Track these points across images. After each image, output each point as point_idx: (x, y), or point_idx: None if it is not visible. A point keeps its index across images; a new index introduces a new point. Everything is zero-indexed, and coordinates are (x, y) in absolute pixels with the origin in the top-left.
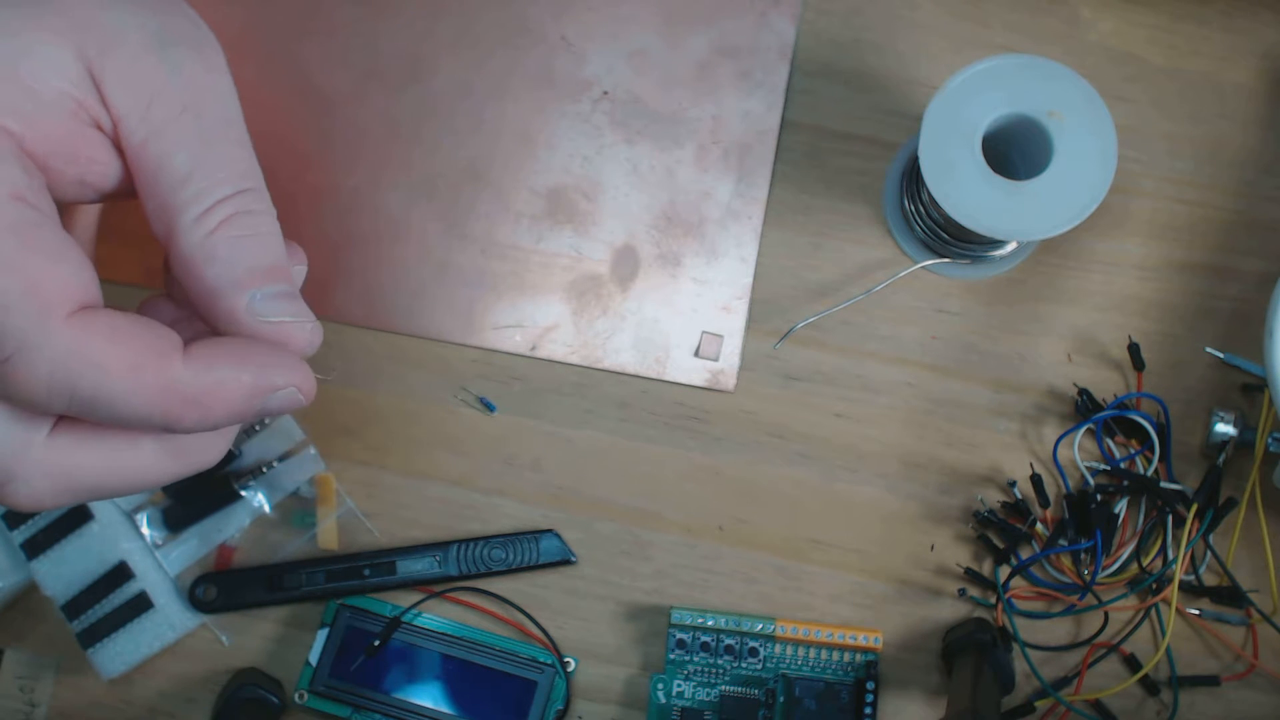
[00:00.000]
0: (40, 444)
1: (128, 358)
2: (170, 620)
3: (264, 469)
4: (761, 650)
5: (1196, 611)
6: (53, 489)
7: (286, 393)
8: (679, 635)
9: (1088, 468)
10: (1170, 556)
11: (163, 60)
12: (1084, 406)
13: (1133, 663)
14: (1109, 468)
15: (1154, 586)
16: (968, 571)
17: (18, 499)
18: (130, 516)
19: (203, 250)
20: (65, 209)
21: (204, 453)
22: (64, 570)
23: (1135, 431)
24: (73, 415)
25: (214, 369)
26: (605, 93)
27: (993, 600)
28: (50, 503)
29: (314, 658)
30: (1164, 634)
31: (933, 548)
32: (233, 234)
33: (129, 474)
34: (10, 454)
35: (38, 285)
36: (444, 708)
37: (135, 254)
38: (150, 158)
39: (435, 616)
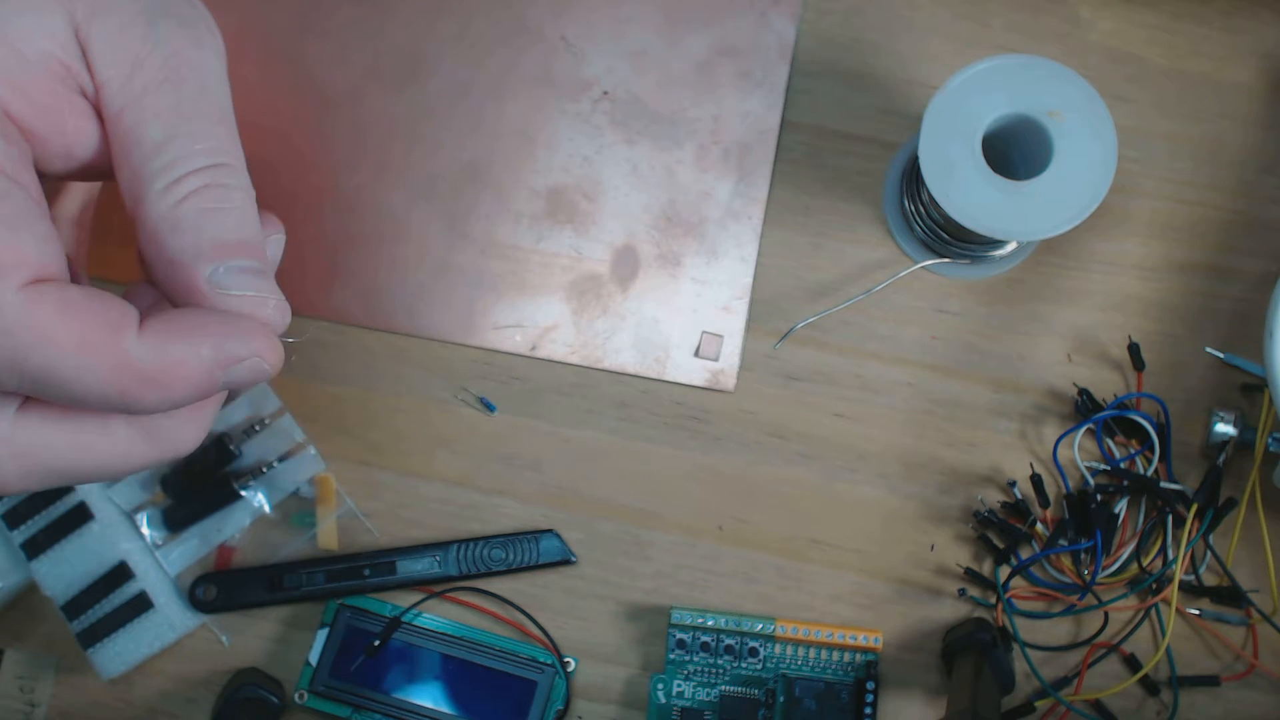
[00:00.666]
0: (6, 423)
1: (76, 330)
2: (170, 620)
3: (264, 469)
4: (761, 650)
5: (1196, 611)
6: (20, 470)
7: (250, 363)
8: (679, 635)
9: (1088, 468)
10: (1170, 556)
11: (150, 30)
12: (1084, 406)
13: (1133, 663)
14: (1109, 468)
15: (1154, 586)
16: (968, 571)
17: None
18: (130, 516)
19: (168, 220)
20: (55, 187)
21: (178, 436)
22: (64, 570)
23: (1135, 431)
24: (28, 394)
25: (170, 343)
26: (605, 93)
27: (993, 600)
28: (17, 485)
29: (314, 658)
30: (1164, 634)
31: (933, 548)
32: (200, 205)
33: (101, 457)
34: None
35: None
36: (444, 708)
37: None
38: (126, 126)
39: (435, 616)
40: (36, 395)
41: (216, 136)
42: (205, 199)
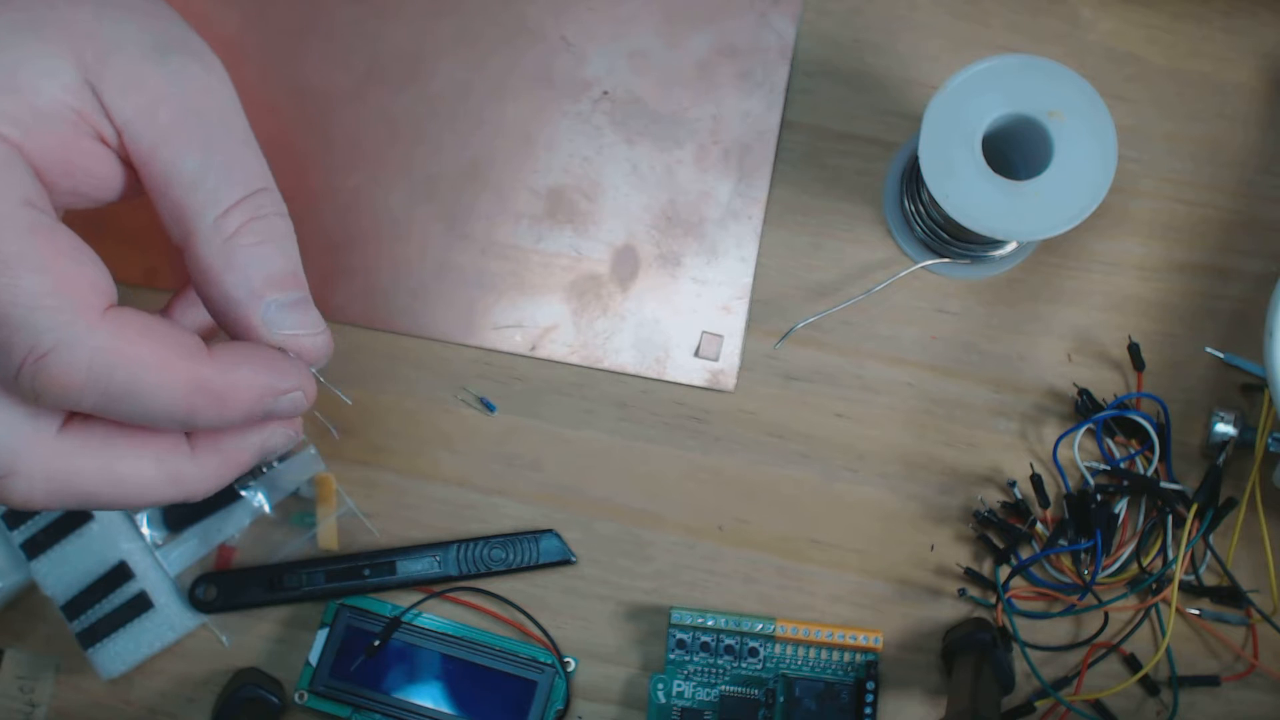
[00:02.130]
0: (47, 443)
1: (161, 354)
2: (170, 620)
3: (264, 469)
4: (761, 650)
5: (1196, 611)
6: (48, 490)
7: (293, 396)
8: (679, 635)
9: (1088, 468)
10: (1170, 556)
11: (163, 67)
12: (1084, 406)
13: (1133, 663)
14: (1109, 468)
15: (1154, 586)
16: (968, 571)
17: (13, 494)
18: (130, 516)
19: (221, 257)
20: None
21: (197, 481)
22: (64, 570)
23: (1135, 431)
24: (97, 411)
25: (234, 369)
26: (605, 93)
27: (993, 600)
28: (42, 503)
29: (314, 658)
30: (1164, 634)
31: (933, 548)
32: (250, 240)
33: (124, 488)
34: (17, 449)
35: (69, 284)
36: (444, 708)
37: (135, 253)
38: (159, 163)
39: (435, 616)
40: (105, 411)
41: (248, 161)
42: (254, 233)
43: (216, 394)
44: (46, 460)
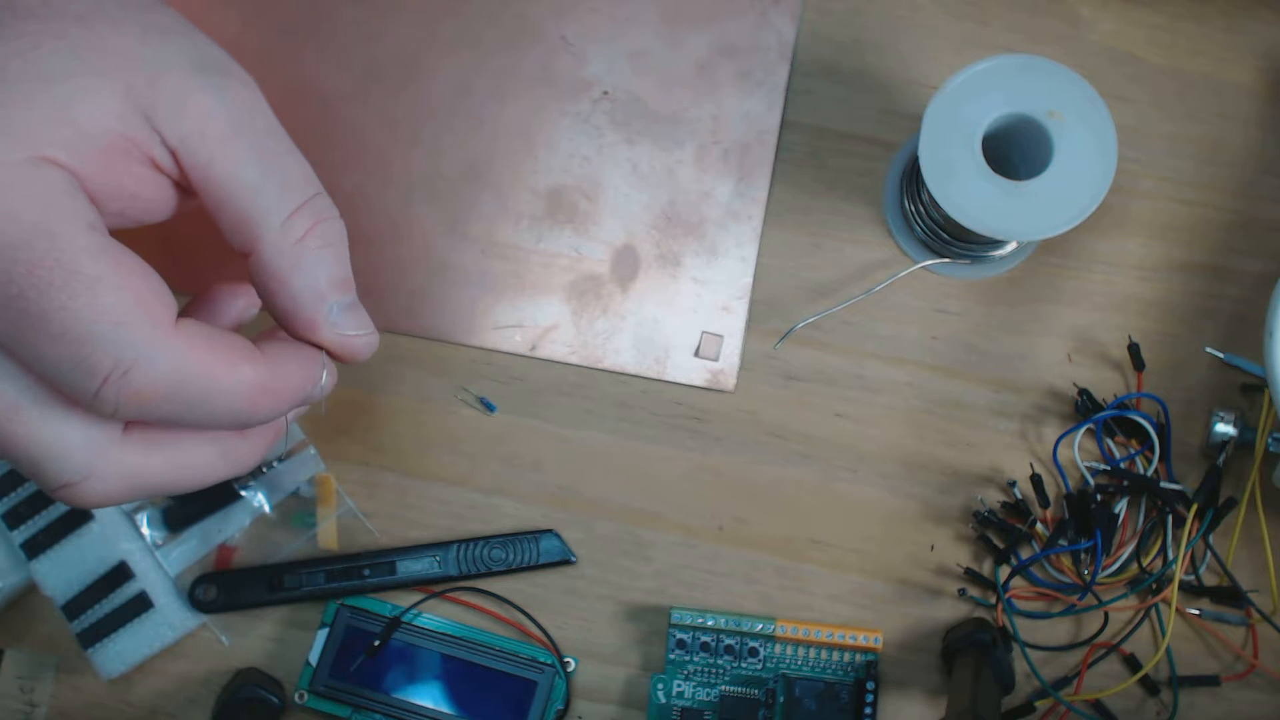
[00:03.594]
0: (117, 445)
1: (227, 361)
2: (170, 620)
3: (264, 469)
4: (761, 650)
5: (1196, 611)
6: (122, 488)
7: (326, 382)
8: (679, 635)
9: (1088, 468)
10: (1170, 556)
11: (208, 84)
12: (1084, 406)
13: (1133, 663)
14: (1109, 468)
15: (1154, 586)
16: (968, 571)
17: (90, 496)
18: (130, 516)
19: (289, 261)
20: None
21: (251, 456)
22: (64, 570)
23: (1135, 431)
24: (168, 419)
25: (283, 367)
26: (605, 93)
27: (993, 600)
28: (118, 499)
29: (314, 658)
30: (1164, 634)
31: (933, 548)
32: (315, 244)
33: (189, 475)
34: (90, 455)
35: (145, 302)
36: (444, 708)
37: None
38: (218, 176)
39: (435, 616)
40: (178, 420)
41: (300, 167)
42: (318, 237)
43: (272, 391)
44: (119, 461)
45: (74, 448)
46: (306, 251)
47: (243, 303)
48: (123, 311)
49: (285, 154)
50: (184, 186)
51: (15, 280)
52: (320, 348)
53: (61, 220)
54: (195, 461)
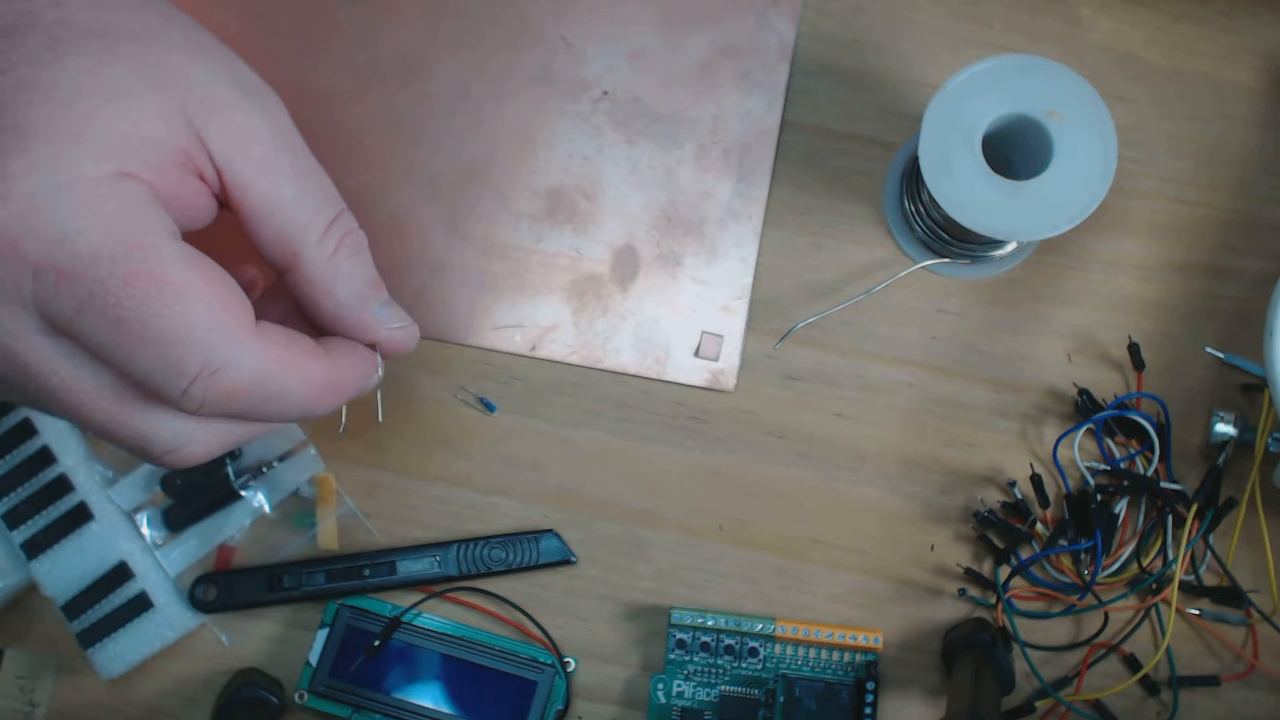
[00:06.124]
0: (204, 420)
1: (301, 359)
2: (170, 620)
3: (264, 469)
4: (761, 650)
5: (1196, 611)
6: (217, 443)
7: (377, 376)
8: (679, 635)
9: (1088, 468)
10: (1170, 556)
11: (250, 105)
12: (1084, 406)
13: (1133, 663)
14: (1109, 468)
15: (1154, 586)
16: (968, 571)
17: (191, 458)
18: (130, 516)
19: (329, 271)
20: None
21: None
22: (64, 570)
23: (1135, 431)
24: (245, 414)
25: (343, 362)
26: (605, 93)
27: (993, 600)
28: (217, 453)
29: (314, 658)
30: (1164, 634)
31: (933, 548)
32: (350, 253)
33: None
34: (191, 422)
35: (230, 306)
36: (444, 708)
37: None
38: (260, 194)
39: (435, 616)
40: (253, 414)
41: (328, 183)
42: (349, 247)
43: (334, 386)
44: (213, 425)
45: (175, 421)
46: (342, 261)
47: (257, 289)
48: (212, 318)
49: (315, 172)
50: (222, 201)
51: (113, 291)
52: (372, 346)
53: (150, 232)
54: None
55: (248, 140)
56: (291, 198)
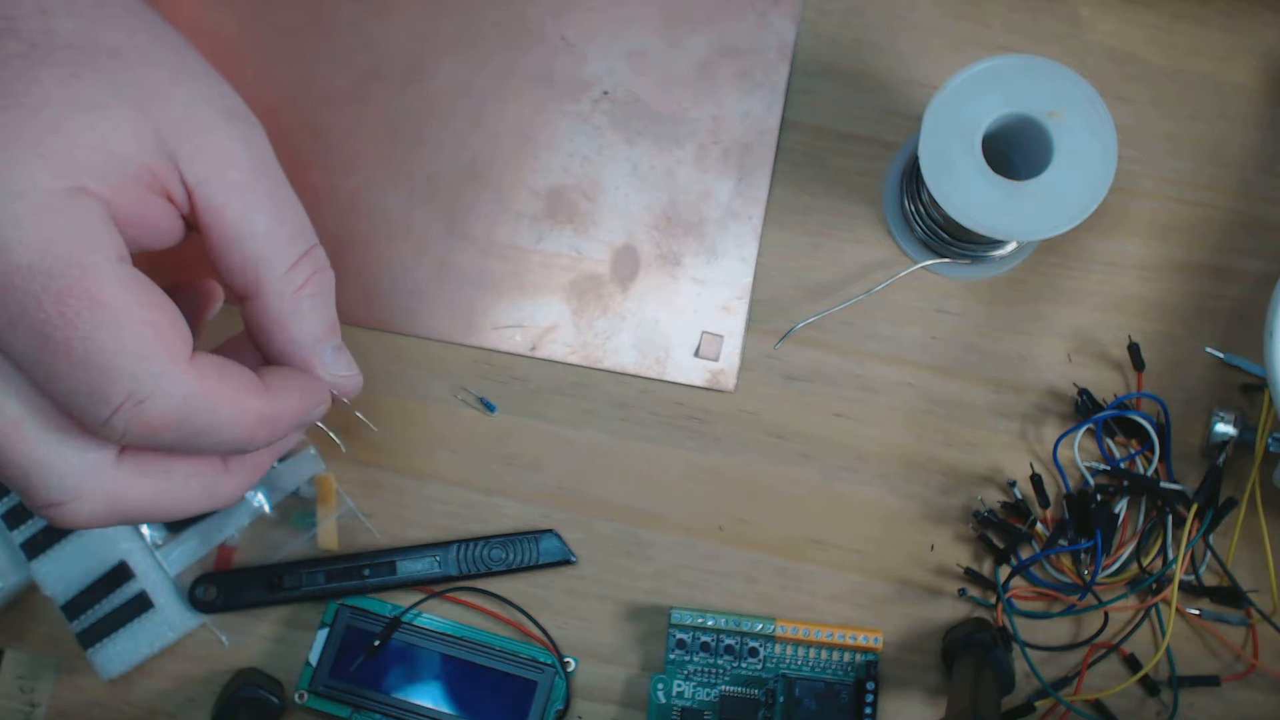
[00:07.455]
0: (108, 471)
1: (235, 394)
2: (170, 620)
3: None
4: (761, 650)
5: (1196, 611)
6: (106, 511)
7: (320, 410)
8: (679, 635)
9: (1088, 468)
10: (1170, 556)
11: (232, 130)
12: (1084, 406)
13: (1133, 663)
14: (1109, 468)
15: (1154, 586)
16: (968, 571)
17: (78, 518)
18: None
19: (290, 306)
20: None
21: (234, 491)
22: (64, 570)
23: (1135, 431)
24: (171, 446)
25: (283, 397)
26: (605, 93)
27: (993, 600)
28: (100, 523)
29: (314, 658)
30: (1164, 634)
31: (933, 548)
32: (313, 292)
33: (170, 504)
34: (82, 477)
35: (164, 335)
36: (444, 708)
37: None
38: (230, 220)
39: (435, 616)
40: (179, 447)
41: (302, 219)
42: (315, 286)
43: (271, 422)
44: (107, 486)
45: (68, 469)
46: (304, 299)
47: (212, 304)
48: (143, 345)
49: (292, 204)
50: (190, 223)
51: (44, 307)
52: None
53: (94, 251)
54: (180, 493)
55: (224, 164)
56: (263, 227)
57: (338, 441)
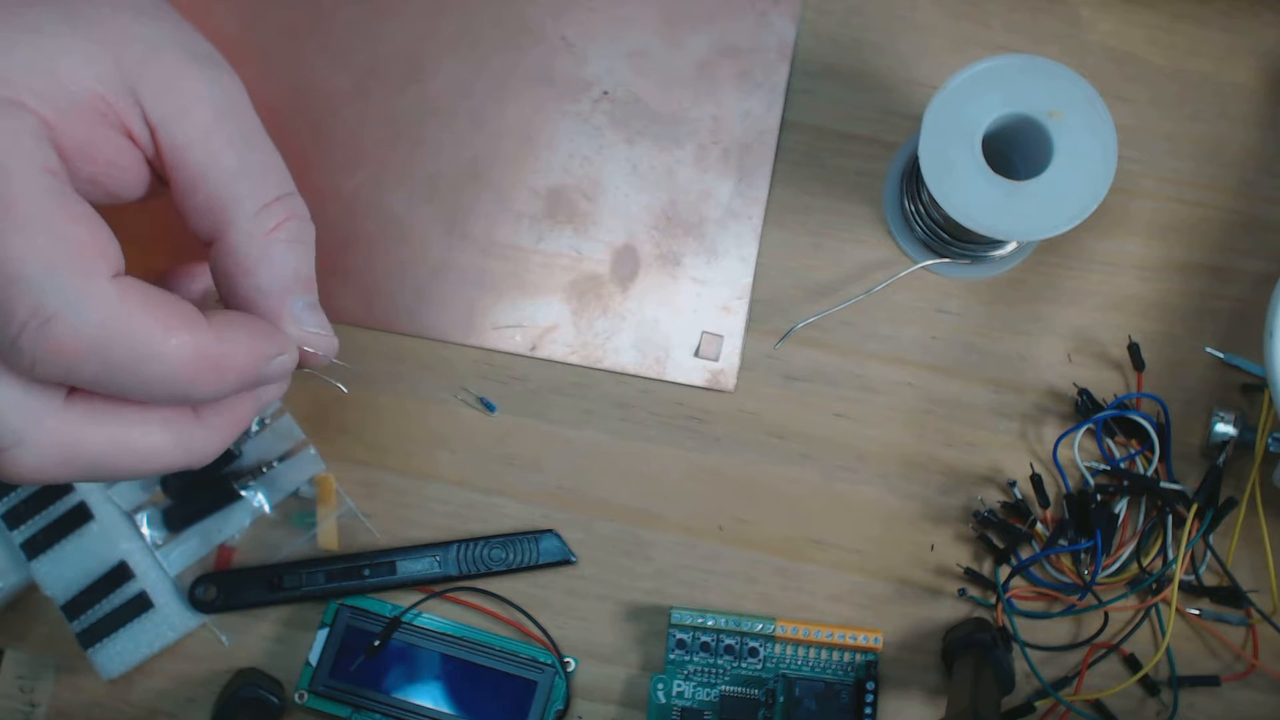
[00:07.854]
0: (55, 412)
1: (164, 322)
2: (170, 620)
3: (264, 469)
4: (761, 650)
5: (1196, 611)
6: (57, 459)
7: (282, 360)
8: (679, 635)
9: (1088, 468)
10: (1170, 556)
11: (199, 72)
12: (1084, 406)
13: (1133, 663)
14: (1109, 468)
15: (1154, 586)
16: (968, 571)
17: (22, 466)
18: (130, 516)
19: (258, 249)
20: None
21: (209, 445)
22: (64, 570)
23: (1135, 431)
24: (96, 384)
25: (230, 336)
26: (605, 93)
27: (993, 600)
28: (51, 474)
29: (314, 658)
30: (1164, 634)
31: (933, 548)
32: (286, 238)
33: (133, 455)
34: (24, 418)
35: (80, 249)
36: (444, 708)
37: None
38: (197, 158)
39: (435, 616)
40: (105, 385)
41: (279, 164)
42: (289, 231)
43: (215, 364)
44: (55, 430)
45: (6, 410)
46: (275, 243)
47: (200, 285)
48: (53, 256)
49: (265, 149)
50: (156, 169)
51: None
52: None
53: (14, 157)
54: (142, 443)
55: (189, 103)
56: (231, 166)
57: (340, 386)
